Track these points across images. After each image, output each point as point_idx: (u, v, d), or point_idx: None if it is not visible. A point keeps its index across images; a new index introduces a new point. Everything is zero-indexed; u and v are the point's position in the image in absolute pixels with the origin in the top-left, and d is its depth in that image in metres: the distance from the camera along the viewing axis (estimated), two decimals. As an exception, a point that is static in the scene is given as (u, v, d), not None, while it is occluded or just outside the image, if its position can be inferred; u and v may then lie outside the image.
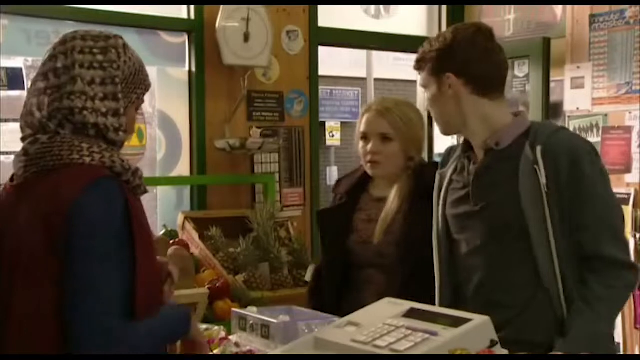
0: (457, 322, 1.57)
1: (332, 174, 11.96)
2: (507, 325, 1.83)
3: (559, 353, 1.76)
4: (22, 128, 1.63)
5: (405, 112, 2.41)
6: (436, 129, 4.71)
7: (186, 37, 3.89)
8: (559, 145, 1.89)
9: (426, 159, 4.75)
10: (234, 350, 1.90)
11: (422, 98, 4.87)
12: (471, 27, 2.04)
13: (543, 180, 1.86)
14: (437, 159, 4.79)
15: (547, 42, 4.05)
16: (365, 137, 2.40)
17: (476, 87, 1.98)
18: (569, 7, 4.11)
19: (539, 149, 1.88)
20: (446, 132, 2.12)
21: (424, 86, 2.06)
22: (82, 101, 1.55)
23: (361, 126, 2.43)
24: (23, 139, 1.62)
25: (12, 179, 1.64)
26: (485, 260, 1.97)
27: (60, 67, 1.58)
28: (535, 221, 1.87)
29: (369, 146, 2.38)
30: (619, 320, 3.62)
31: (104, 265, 1.48)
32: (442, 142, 4.75)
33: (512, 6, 4.42)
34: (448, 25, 4.76)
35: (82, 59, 1.58)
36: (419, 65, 2.06)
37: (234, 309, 2.05)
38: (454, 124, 2.05)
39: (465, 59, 1.97)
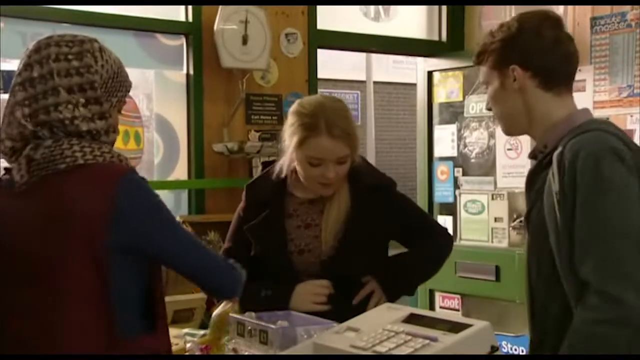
0: (457, 328, 1.55)
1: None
2: (552, 332, 1.76)
3: None
4: (2, 140, 1.60)
5: (350, 122, 2.21)
6: (437, 131, 4.76)
7: (184, 40, 3.88)
8: (571, 148, 1.70)
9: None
10: (231, 356, 1.88)
11: (422, 101, 4.86)
12: (537, 15, 1.87)
13: (555, 187, 1.69)
14: (437, 163, 4.81)
15: (547, 44, 4.03)
16: (318, 162, 2.17)
17: (543, 80, 1.81)
18: (570, 10, 4.10)
19: (556, 152, 1.72)
20: (509, 131, 1.94)
21: (486, 82, 1.89)
22: (70, 111, 1.55)
23: (309, 150, 2.15)
24: (12, 150, 1.59)
25: (4, 187, 1.61)
26: (529, 272, 1.85)
27: (37, 77, 1.56)
28: (552, 230, 1.72)
29: (327, 172, 2.16)
30: None
31: (182, 229, 1.65)
32: (443, 145, 4.74)
33: (513, 8, 4.41)
34: (448, 27, 4.76)
35: (58, 67, 1.56)
36: (479, 59, 1.89)
37: (231, 314, 2.03)
38: (518, 123, 1.87)
39: (531, 49, 1.81)
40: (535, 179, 1.84)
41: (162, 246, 1.60)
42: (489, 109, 1.94)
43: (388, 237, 2.35)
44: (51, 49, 1.58)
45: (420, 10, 4.82)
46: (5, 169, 1.64)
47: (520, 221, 4.14)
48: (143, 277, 1.61)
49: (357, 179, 2.26)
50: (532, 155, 1.91)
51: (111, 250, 1.52)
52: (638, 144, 3.82)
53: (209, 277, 1.70)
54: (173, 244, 1.62)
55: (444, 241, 2.44)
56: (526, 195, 1.89)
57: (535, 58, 1.81)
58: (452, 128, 4.71)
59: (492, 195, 4.39)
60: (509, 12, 4.43)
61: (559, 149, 1.72)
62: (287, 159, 2.23)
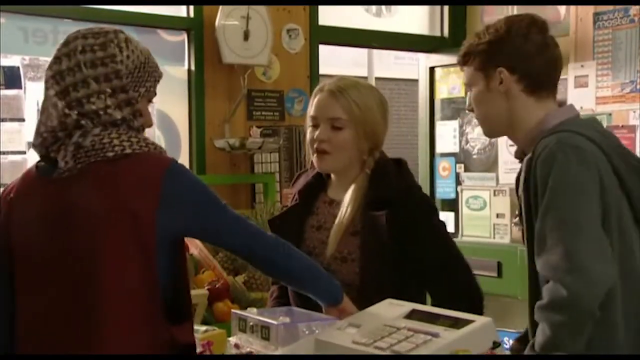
0: (459, 324, 1.55)
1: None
2: None
3: None
4: (39, 133, 1.61)
5: (363, 96, 2.06)
6: (439, 127, 4.75)
7: (185, 36, 3.87)
8: (537, 149, 1.75)
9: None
10: (233, 352, 1.88)
11: (424, 97, 4.84)
12: (525, 19, 1.89)
13: (521, 189, 1.77)
14: (439, 159, 4.80)
15: (550, 40, 4.02)
16: (314, 122, 2.08)
17: (527, 85, 1.84)
18: (572, 6, 4.09)
19: (526, 158, 1.78)
20: (491, 133, 1.98)
21: (469, 84, 1.91)
22: (102, 101, 1.58)
23: (311, 109, 2.10)
24: (55, 138, 1.59)
25: (42, 173, 1.62)
26: (530, 266, 1.87)
27: (65, 69, 1.59)
28: (528, 233, 1.80)
29: (317, 132, 2.05)
30: None
31: (230, 209, 1.71)
32: (445, 141, 4.73)
33: (515, 7, 4.39)
34: (450, 23, 4.74)
35: (84, 59, 1.59)
36: (464, 60, 1.90)
37: (233, 310, 2.03)
38: (499, 125, 1.90)
39: (519, 53, 1.83)
40: (520, 184, 1.87)
41: (213, 225, 1.66)
42: (471, 110, 1.95)
43: (403, 260, 2.02)
44: (78, 42, 1.61)
45: (422, 6, 4.81)
46: (41, 157, 1.64)
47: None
48: (175, 269, 1.63)
49: (377, 186, 2.06)
50: (518, 156, 1.94)
51: (161, 236, 1.55)
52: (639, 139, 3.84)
53: (260, 256, 1.74)
54: (224, 223, 1.68)
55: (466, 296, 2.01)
56: (517, 197, 1.91)
57: (522, 62, 1.84)
58: (454, 124, 4.70)
59: (494, 191, 4.39)
60: (511, 9, 4.42)
61: (528, 155, 1.77)
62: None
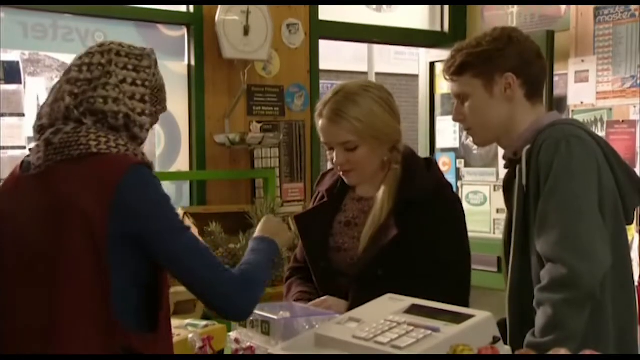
0: (459, 319, 1.54)
1: (334, 169, 11.94)
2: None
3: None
4: (39, 116, 1.64)
5: (362, 107, 2.03)
6: (439, 122, 4.74)
7: (185, 31, 3.86)
8: (538, 141, 1.79)
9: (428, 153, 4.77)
10: (233, 347, 1.88)
11: (424, 92, 4.84)
12: (517, 30, 1.94)
13: (523, 180, 1.80)
14: (439, 154, 4.79)
15: (550, 35, 4.02)
16: (328, 145, 2.10)
17: (528, 90, 1.88)
18: (572, 5, 4.08)
19: (525, 149, 1.81)
20: (485, 141, 1.99)
21: (466, 93, 1.90)
22: (116, 92, 1.59)
23: (320, 134, 2.11)
24: (40, 128, 1.62)
25: (23, 169, 1.63)
26: (510, 273, 1.91)
27: (96, 63, 1.63)
28: (518, 223, 1.84)
29: (335, 157, 2.09)
30: None
31: (188, 233, 1.59)
32: (445, 136, 4.73)
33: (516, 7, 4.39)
34: (450, 18, 4.74)
35: (118, 60, 1.64)
36: (461, 70, 1.90)
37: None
38: (496, 132, 1.92)
39: (522, 58, 1.87)
40: (511, 185, 1.90)
41: (159, 245, 1.56)
42: (459, 121, 1.96)
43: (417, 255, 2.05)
44: (114, 46, 1.66)
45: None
46: (31, 149, 1.65)
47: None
48: (146, 274, 1.59)
49: (408, 187, 2.07)
50: (508, 157, 1.96)
51: (113, 240, 1.51)
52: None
53: (208, 291, 1.60)
54: (170, 246, 1.56)
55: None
56: (505, 199, 1.95)
57: (525, 67, 1.88)
58: (455, 119, 4.69)
59: (494, 186, 4.39)
60: (511, 6, 4.41)
61: (527, 147, 1.81)
62: None
